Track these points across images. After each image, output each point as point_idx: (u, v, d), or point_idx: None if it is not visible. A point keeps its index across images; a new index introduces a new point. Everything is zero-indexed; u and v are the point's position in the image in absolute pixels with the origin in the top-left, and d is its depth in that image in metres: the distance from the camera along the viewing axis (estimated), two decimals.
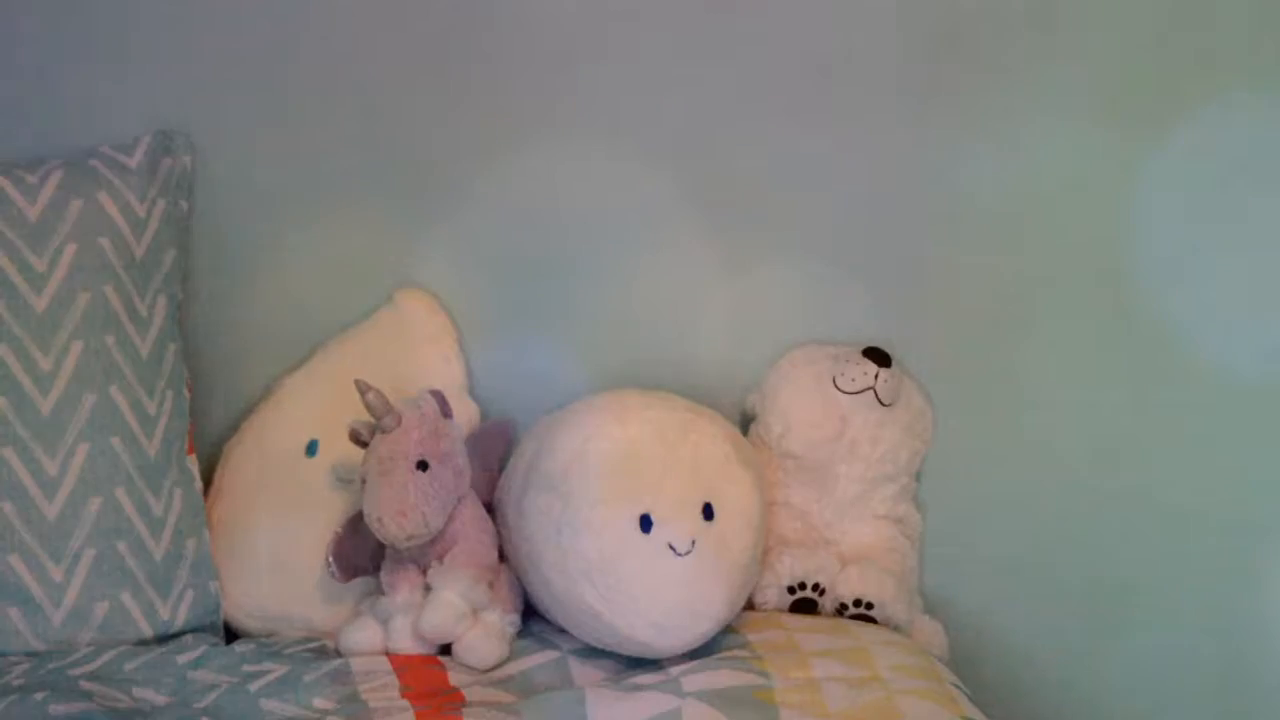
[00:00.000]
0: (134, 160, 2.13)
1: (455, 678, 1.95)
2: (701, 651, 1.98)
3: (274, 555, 2.12)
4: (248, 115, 2.21)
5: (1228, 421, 2.25)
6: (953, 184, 2.22)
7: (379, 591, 2.07)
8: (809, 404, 2.19)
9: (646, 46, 2.20)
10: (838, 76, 2.20)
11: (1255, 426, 2.25)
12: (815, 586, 2.13)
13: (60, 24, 2.19)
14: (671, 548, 1.94)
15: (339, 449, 2.10)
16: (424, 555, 2.04)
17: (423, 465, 1.99)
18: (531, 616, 2.08)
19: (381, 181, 2.20)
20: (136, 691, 1.92)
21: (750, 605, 2.12)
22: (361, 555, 2.07)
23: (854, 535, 2.22)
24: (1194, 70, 2.19)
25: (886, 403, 2.20)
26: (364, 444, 2.02)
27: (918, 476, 2.27)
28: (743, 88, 2.21)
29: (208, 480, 2.17)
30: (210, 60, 2.20)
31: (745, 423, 2.24)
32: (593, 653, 2.01)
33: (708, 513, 1.97)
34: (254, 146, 2.22)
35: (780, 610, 2.13)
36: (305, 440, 2.15)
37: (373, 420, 2.01)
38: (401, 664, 1.98)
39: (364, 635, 2.03)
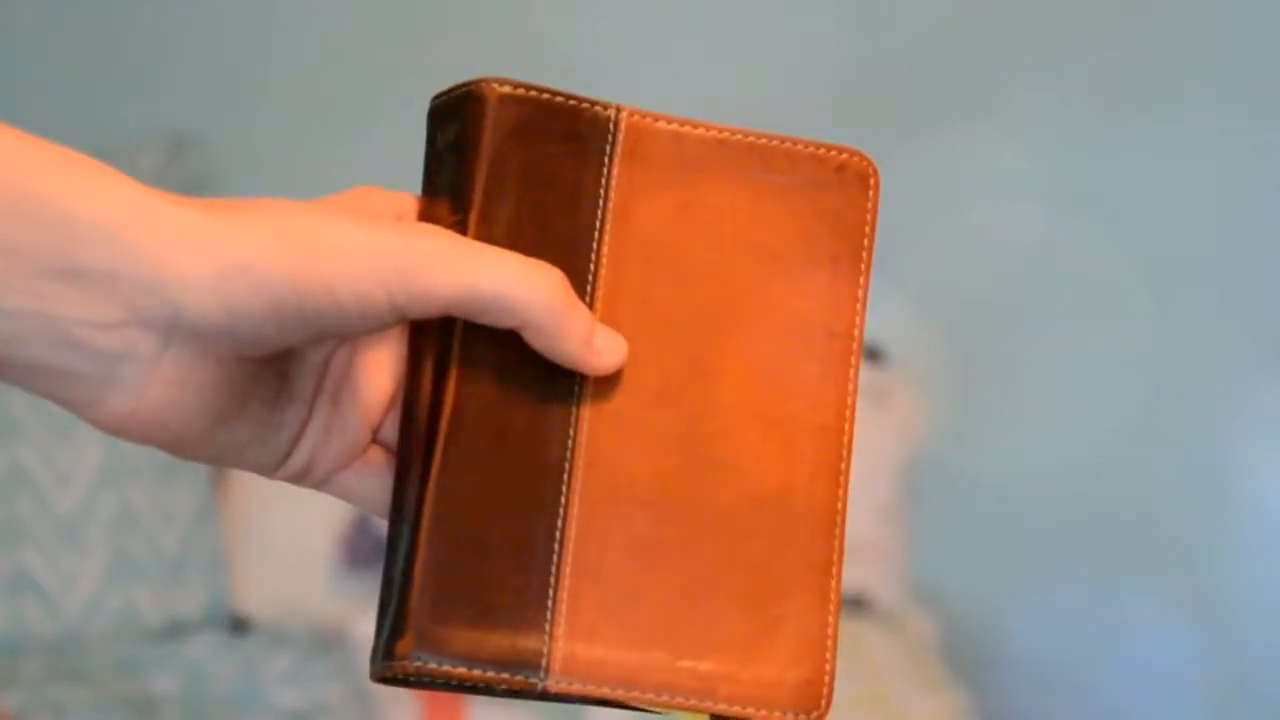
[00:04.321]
0: (147, 164, 2.14)
1: None
2: None
3: (285, 546, 2.13)
4: (262, 119, 2.22)
5: (1226, 421, 2.27)
6: (950, 181, 2.24)
7: None
8: None
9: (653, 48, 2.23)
10: (837, 81, 2.21)
11: (1254, 427, 2.27)
12: None
13: (72, 27, 2.20)
14: None
15: None
16: None
17: None
18: None
19: (396, 186, 2.21)
20: (149, 682, 1.94)
21: None
22: (372, 545, 2.09)
23: (848, 529, 2.23)
24: (1184, 68, 2.22)
25: (882, 399, 2.21)
26: None
27: (913, 472, 2.28)
28: (741, 84, 2.22)
29: (219, 472, 2.17)
30: (225, 65, 2.21)
31: None
32: None
33: None
34: (269, 151, 2.22)
35: None
36: None
37: None
38: None
39: (374, 626, 2.04)
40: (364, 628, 2.04)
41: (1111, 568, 2.31)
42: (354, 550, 2.09)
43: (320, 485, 0.66)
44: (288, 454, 0.64)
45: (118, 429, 0.60)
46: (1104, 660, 2.32)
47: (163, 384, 0.58)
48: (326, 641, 2.05)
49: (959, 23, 2.23)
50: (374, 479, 0.66)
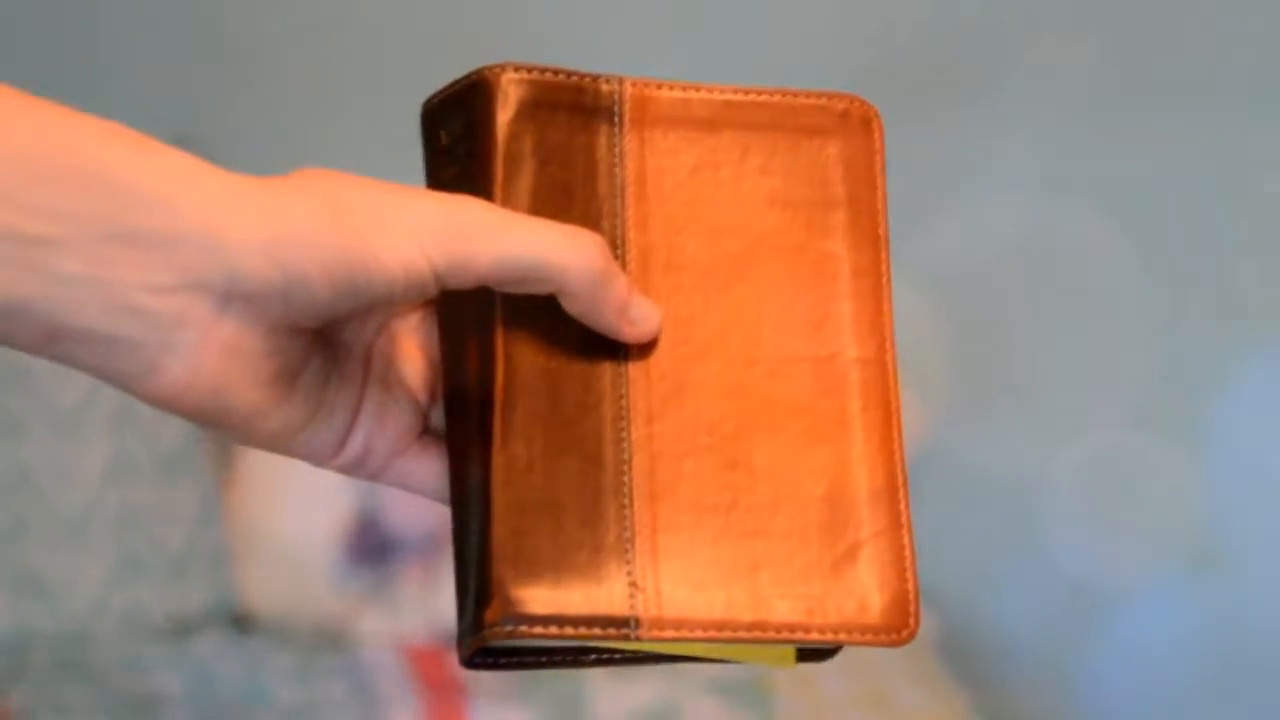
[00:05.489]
0: None
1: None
2: None
3: (289, 544, 2.13)
4: (262, 119, 2.23)
5: (1224, 413, 2.27)
6: (950, 174, 2.25)
7: (393, 580, 2.10)
8: None
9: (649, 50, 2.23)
10: (839, 76, 2.23)
11: (1249, 423, 2.28)
12: None
13: (71, 27, 2.21)
14: None
15: None
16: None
17: None
18: None
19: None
20: (153, 680, 1.95)
21: None
22: (376, 544, 2.11)
23: None
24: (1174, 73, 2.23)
25: None
26: None
27: (912, 468, 2.28)
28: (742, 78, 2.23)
29: (224, 470, 2.18)
30: (225, 65, 2.22)
31: None
32: None
33: None
34: (269, 150, 2.23)
35: None
36: None
37: None
38: (413, 653, 2.01)
39: (376, 624, 2.07)
40: (368, 625, 2.05)
41: (1114, 564, 2.31)
42: (358, 548, 2.10)
43: (378, 475, 0.66)
44: (344, 440, 0.64)
45: (171, 401, 0.60)
46: (1107, 658, 2.33)
47: (219, 352, 0.59)
48: (330, 639, 2.06)
49: (960, 16, 2.23)
50: (432, 464, 0.66)
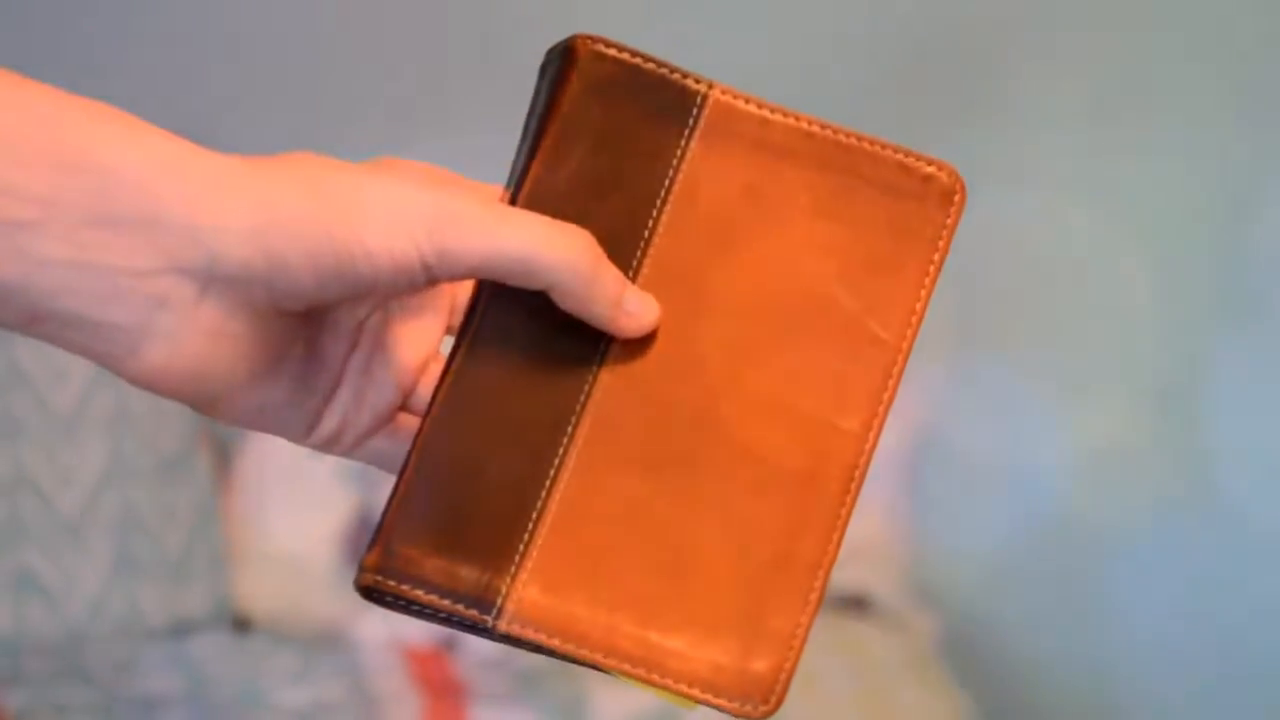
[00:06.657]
0: None
1: (463, 669, 1.99)
2: None
3: (287, 546, 2.14)
4: (262, 119, 2.23)
5: (1217, 412, 2.28)
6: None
7: None
8: None
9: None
10: (830, 78, 2.23)
11: (1244, 416, 2.28)
12: None
13: (72, 27, 2.21)
14: None
15: None
16: None
17: None
18: None
19: None
20: (151, 682, 1.95)
21: None
22: None
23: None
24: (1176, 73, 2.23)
25: None
26: None
27: (915, 468, 2.29)
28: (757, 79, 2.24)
29: (221, 472, 2.19)
30: (226, 65, 2.22)
31: None
32: None
33: None
34: (269, 150, 2.23)
35: None
36: None
37: None
38: (412, 655, 2.01)
39: (375, 626, 2.06)
40: (366, 626, 2.06)
41: (1116, 563, 2.32)
42: (356, 550, 2.10)
43: (350, 452, 0.66)
44: (317, 420, 0.65)
45: (152, 382, 0.60)
46: (1110, 655, 2.33)
47: (199, 335, 0.59)
48: (329, 641, 2.06)
49: (965, 18, 2.24)
50: (405, 444, 0.66)
